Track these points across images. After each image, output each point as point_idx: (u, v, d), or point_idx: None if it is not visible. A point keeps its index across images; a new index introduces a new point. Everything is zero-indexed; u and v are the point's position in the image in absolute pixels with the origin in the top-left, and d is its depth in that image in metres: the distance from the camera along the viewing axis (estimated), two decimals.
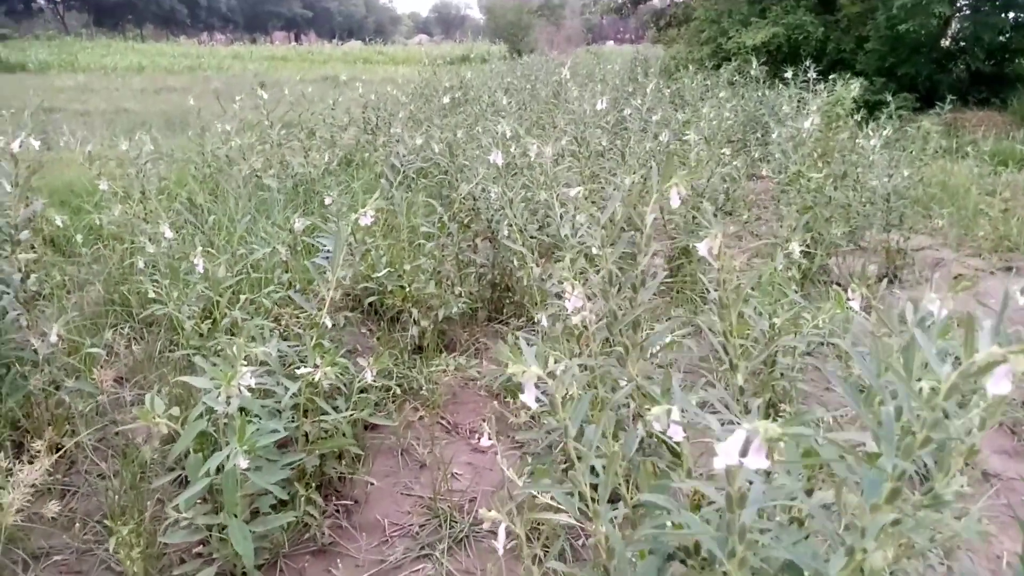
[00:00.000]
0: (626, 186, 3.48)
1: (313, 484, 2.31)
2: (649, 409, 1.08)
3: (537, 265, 3.21)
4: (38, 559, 2.17)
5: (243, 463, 1.84)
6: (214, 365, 2.10)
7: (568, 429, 1.14)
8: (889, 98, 6.40)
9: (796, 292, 3.24)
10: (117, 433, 2.67)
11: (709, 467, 1.16)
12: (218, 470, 1.95)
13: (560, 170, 3.04)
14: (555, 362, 1.69)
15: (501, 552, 1.20)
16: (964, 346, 0.81)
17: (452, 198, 5.10)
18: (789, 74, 6.86)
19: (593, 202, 3.92)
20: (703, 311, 3.98)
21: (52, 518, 2.04)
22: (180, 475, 2.33)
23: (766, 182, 6.67)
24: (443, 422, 2.99)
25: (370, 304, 3.69)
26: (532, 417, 2.64)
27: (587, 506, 1.19)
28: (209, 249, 2.79)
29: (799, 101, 6.27)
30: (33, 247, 4.33)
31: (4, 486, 1.79)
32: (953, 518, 1.08)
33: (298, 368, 2.41)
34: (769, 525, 1.15)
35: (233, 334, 2.83)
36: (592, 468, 1.34)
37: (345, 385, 2.48)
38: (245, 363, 2.10)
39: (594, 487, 1.28)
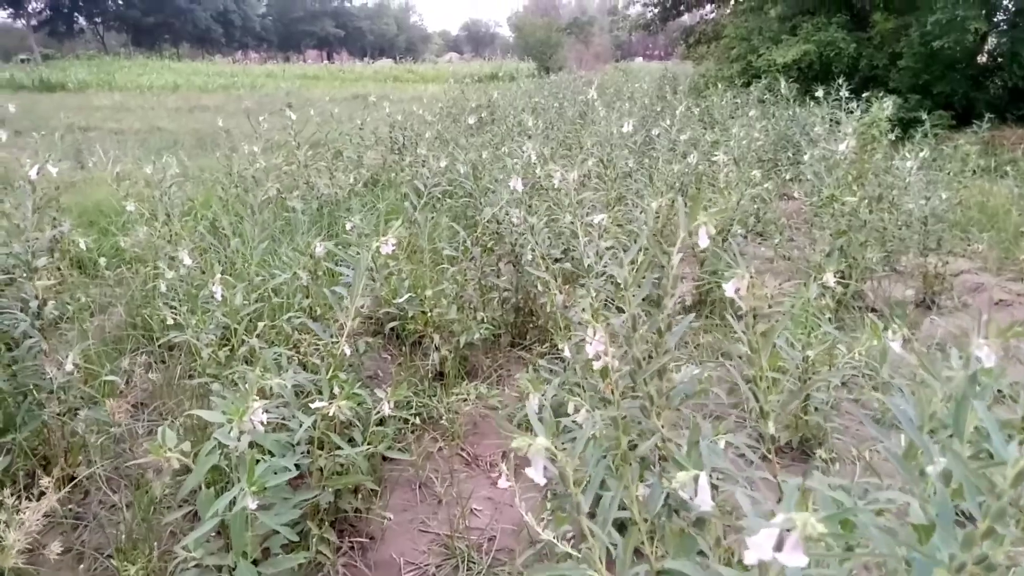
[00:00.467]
0: (653, 210, 3.40)
1: (327, 521, 2.25)
2: (673, 473, 0.99)
3: (560, 292, 3.13)
4: None
5: (252, 504, 1.78)
6: (226, 398, 2.04)
7: (580, 505, 1.05)
8: (924, 116, 6.25)
9: (830, 320, 3.13)
10: (130, 464, 2.63)
11: (740, 529, 1.07)
12: (229, 507, 1.90)
13: (585, 196, 2.95)
14: (575, 408, 1.61)
15: None
16: None
17: (475, 221, 5.06)
18: (820, 92, 6.73)
19: (619, 225, 3.84)
20: (733, 339, 3.87)
21: (59, 555, 1.98)
22: (192, 509, 2.28)
23: (798, 203, 6.54)
24: (463, 454, 2.91)
25: (392, 329, 3.64)
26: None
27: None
28: (227, 276, 2.75)
29: (832, 121, 6.14)
30: (59, 268, 4.37)
31: (9, 523, 1.74)
32: None
33: (315, 400, 2.36)
34: None
35: (250, 362, 2.79)
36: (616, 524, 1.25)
37: (362, 417, 2.42)
38: (258, 397, 2.05)
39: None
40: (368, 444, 2.39)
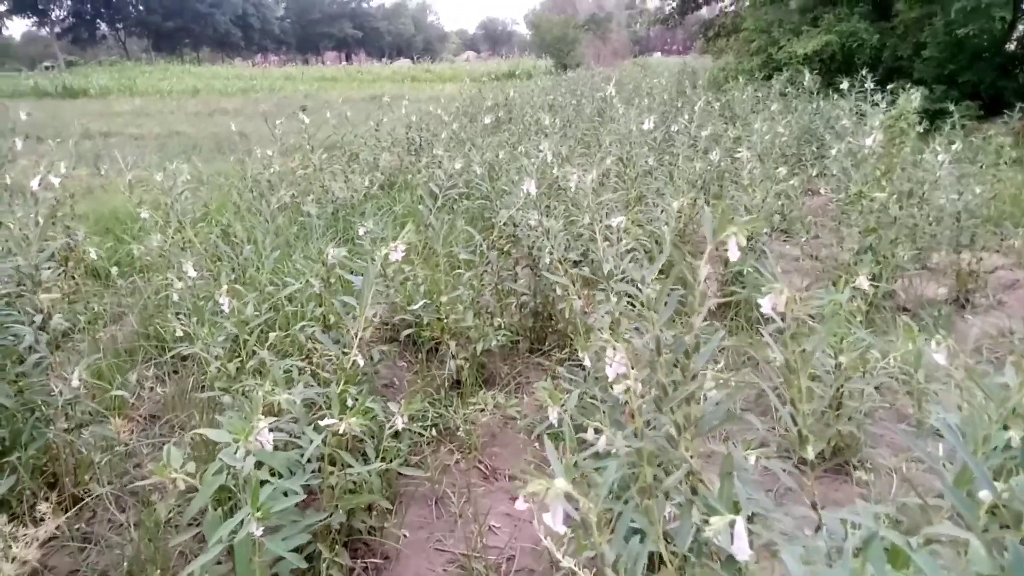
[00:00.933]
0: (674, 210, 3.28)
1: (340, 542, 2.16)
2: (705, 514, 0.89)
3: (579, 297, 3.03)
4: None
5: (257, 531, 1.70)
6: (232, 418, 1.97)
7: (606, 556, 0.95)
8: (951, 107, 6.07)
9: (861, 323, 2.99)
10: (136, 484, 2.57)
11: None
12: (236, 531, 1.82)
13: (604, 200, 2.84)
14: (595, 431, 1.51)
15: None
16: None
17: (492, 224, 4.96)
18: (845, 85, 6.55)
19: (639, 226, 3.73)
20: (758, 342, 3.74)
21: None
22: (200, 531, 2.20)
23: (823, 198, 6.37)
24: (480, 466, 2.82)
25: (407, 336, 3.55)
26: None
27: None
28: (237, 286, 2.68)
29: (857, 114, 5.97)
30: (74, 277, 4.33)
31: (6, 553, 1.67)
32: None
33: (325, 415, 2.28)
34: None
35: (261, 374, 2.72)
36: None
37: (375, 431, 2.33)
38: (265, 415, 1.97)
39: None
40: (382, 460, 2.31)
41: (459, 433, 2.92)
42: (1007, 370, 1.29)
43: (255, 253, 3.37)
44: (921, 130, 6.06)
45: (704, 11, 19.14)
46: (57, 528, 2.17)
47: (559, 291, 3.43)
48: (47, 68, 43.35)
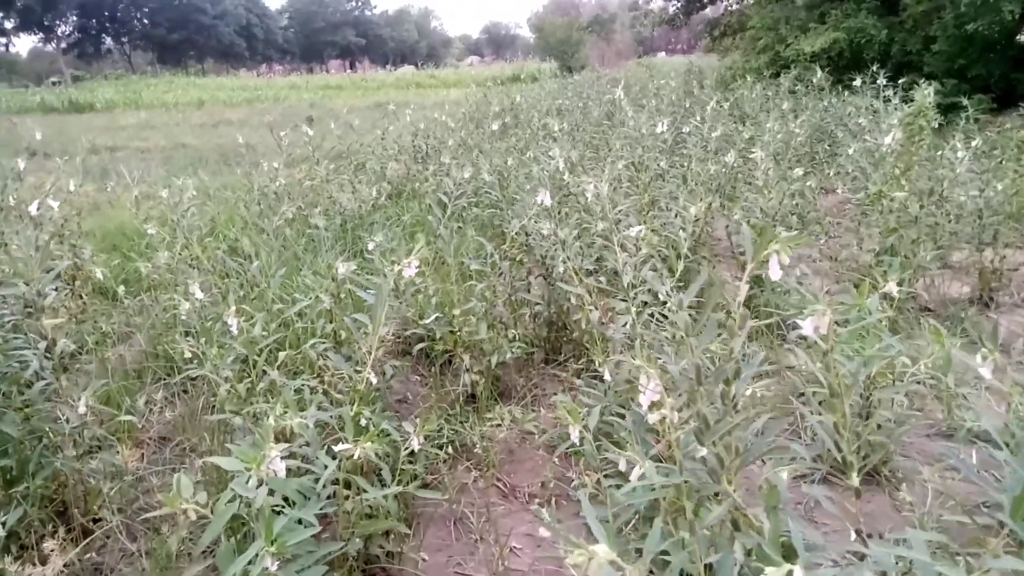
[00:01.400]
0: (691, 215, 3.21)
1: (357, 569, 2.09)
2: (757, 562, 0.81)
3: (596, 308, 2.95)
4: None
5: (272, 566, 1.63)
6: (242, 445, 1.90)
7: None
8: (965, 101, 5.97)
9: (886, 328, 2.90)
10: (147, 516, 2.50)
11: None
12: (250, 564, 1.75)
13: (621, 209, 2.77)
14: (627, 463, 1.43)
15: None
16: None
17: (504, 233, 4.88)
18: (858, 81, 6.45)
19: (653, 230, 3.65)
20: (780, 348, 3.65)
21: None
22: (213, 561, 2.13)
23: (837, 197, 6.27)
24: (499, 484, 2.74)
25: (420, 349, 3.48)
26: (598, 482, 2.36)
27: None
28: (245, 306, 2.62)
29: (871, 111, 5.87)
30: (81, 297, 4.28)
31: None
32: None
33: (339, 438, 2.21)
34: None
35: (273, 393, 2.65)
36: None
37: (390, 452, 2.26)
38: (277, 441, 1.91)
39: None
40: (398, 483, 2.24)
41: (476, 450, 2.85)
42: None
43: (263, 271, 3.30)
44: (936, 126, 5.96)
45: (708, 10, 19.04)
46: (66, 565, 2.11)
47: (574, 301, 3.36)
48: (54, 83, 43.58)
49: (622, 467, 1.24)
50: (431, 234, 4.88)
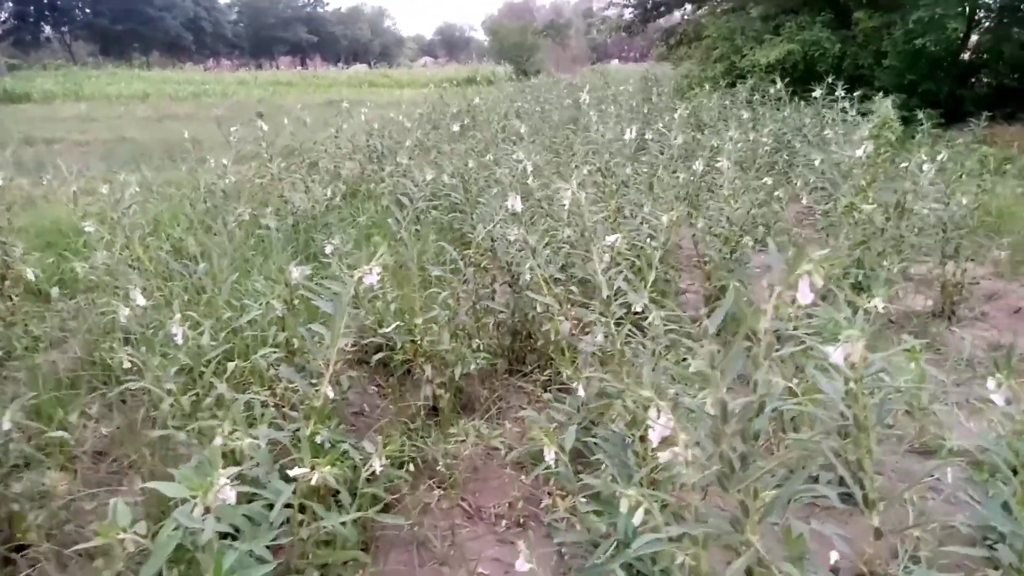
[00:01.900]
0: (664, 223, 3.11)
1: None
2: None
3: (567, 318, 2.82)
4: None
5: None
6: (187, 470, 1.71)
7: None
8: (921, 115, 6.05)
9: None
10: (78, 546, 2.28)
11: None
12: None
13: (594, 215, 2.64)
14: (633, 502, 1.29)
15: None
16: None
17: (461, 233, 4.72)
18: (817, 92, 6.49)
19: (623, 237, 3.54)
20: (751, 359, 3.57)
21: None
22: None
23: (797, 205, 6.28)
24: (464, 504, 2.59)
25: (379, 359, 3.30)
26: (571, 509, 2.22)
27: None
28: (191, 313, 2.42)
29: (833, 123, 5.90)
30: (11, 298, 3.99)
31: None
32: None
33: (293, 458, 2.04)
34: None
35: (220, 407, 2.45)
36: None
37: (348, 475, 2.09)
38: (225, 462, 1.73)
39: None
40: (358, 508, 2.07)
41: (439, 468, 2.69)
42: None
43: (209, 274, 3.09)
44: (893, 138, 6.02)
45: (661, 21, 19.14)
46: None
47: (539, 308, 3.23)
48: None
49: (623, 507, 1.10)
50: (390, 237, 4.70)
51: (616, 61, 55.95)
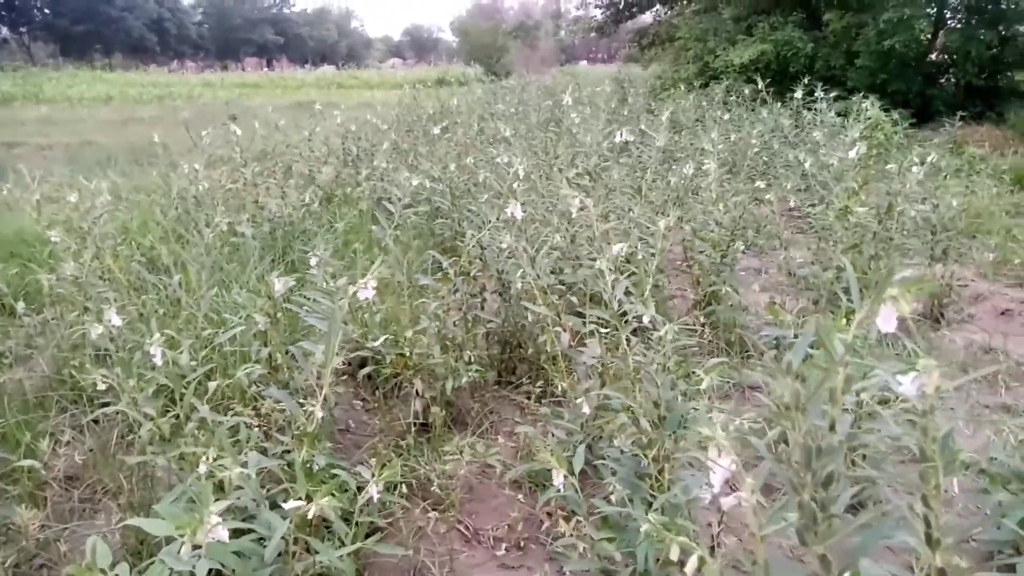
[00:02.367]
0: (661, 229, 3.02)
1: None
2: None
3: (564, 329, 2.72)
4: None
5: None
6: (172, 504, 1.59)
7: None
8: (896, 115, 6.06)
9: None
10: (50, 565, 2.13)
11: None
12: None
13: (602, 224, 2.54)
14: (681, 551, 1.19)
15: None
16: None
17: (443, 238, 4.60)
18: (799, 93, 6.47)
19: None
20: (741, 362, 3.51)
21: None
22: None
23: (782, 206, 6.25)
24: (461, 528, 2.47)
25: (366, 373, 3.17)
26: (577, 532, 2.12)
27: None
28: (169, 331, 2.27)
29: (810, 124, 5.87)
30: None
31: None
32: None
33: (285, 486, 1.91)
34: None
35: (202, 431, 2.31)
36: None
37: (343, 502, 1.97)
38: (215, 495, 1.61)
39: None
40: (353, 537, 1.95)
41: (434, 488, 2.57)
42: None
43: (184, 286, 2.93)
44: (884, 139, 6.02)
45: (629, 23, 19.13)
46: None
47: (531, 319, 3.12)
48: None
49: (673, 555, 1.00)
50: (374, 244, 4.57)
51: (584, 62, 56.07)
